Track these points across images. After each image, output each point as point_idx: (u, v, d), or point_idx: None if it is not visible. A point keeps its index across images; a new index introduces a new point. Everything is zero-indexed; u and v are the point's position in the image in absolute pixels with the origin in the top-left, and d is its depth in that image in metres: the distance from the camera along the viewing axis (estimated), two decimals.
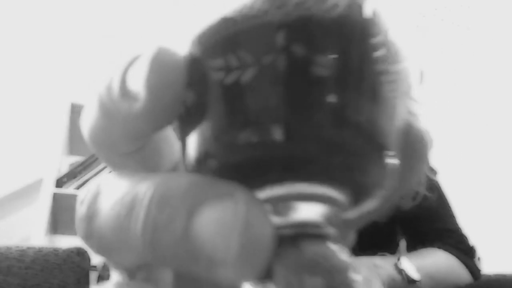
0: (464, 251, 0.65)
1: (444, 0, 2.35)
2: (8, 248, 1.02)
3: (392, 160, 0.13)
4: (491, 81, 2.75)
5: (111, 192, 0.12)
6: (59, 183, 1.52)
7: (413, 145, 0.14)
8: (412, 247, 0.69)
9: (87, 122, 0.15)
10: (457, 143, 2.92)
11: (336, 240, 0.12)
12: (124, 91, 0.13)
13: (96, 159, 1.60)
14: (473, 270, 0.63)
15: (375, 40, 0.12)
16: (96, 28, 2.58)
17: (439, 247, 0.64)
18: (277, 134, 0.11)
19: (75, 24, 2.55)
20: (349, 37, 0.12)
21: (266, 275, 0.11)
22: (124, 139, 0.14)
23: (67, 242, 1.30)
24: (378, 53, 0.12)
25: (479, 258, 0.66)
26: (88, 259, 1.08)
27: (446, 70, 2.85)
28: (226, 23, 0.13)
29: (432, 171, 0.73)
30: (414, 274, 0.52)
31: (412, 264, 0.53)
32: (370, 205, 0.14)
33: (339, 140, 0.12)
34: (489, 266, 0.69)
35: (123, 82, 0.13)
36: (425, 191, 0.64)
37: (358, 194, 0.13)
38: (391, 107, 0.13)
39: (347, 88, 0.12)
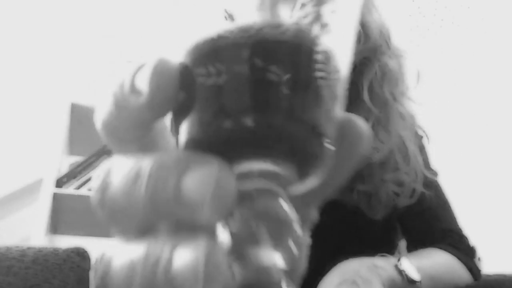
0: (464, 251, 0.65)
1: (444, 0, 2.35)
2: (8, 248, 1.02)
3: (329, 146, 0.17)
4: (491, 81, 2.75)
5: (120, 168, 0.17)
6: (59, 183, 1.52)
7: (348, 136, 0.18)
8: (412, 247, 0.69)
9: (101, 115, 0.19)
10: (457, 143, 2.92)
11: (286, 199, 0.16)
12: (133, 88, 0.18)
13: (96, 159, 1.60)
14: (473, 270, 0.62)
15: (316, 56, 0.17)
16: (96, 28, 2.58)
17: (439, 247, 0.64)
18: (246, 122, 0.16)
19: (75, 24, 2.55)
20: (296, 53, 0.16)
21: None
22: (131, 126, 0.18)
23: (67, 242, 1.30)
24: (318, 66, 0.17)
25: (479, 258, 0.66)
26: (88, 259, 1.08)
27: (446, 70, 2.85)
28: (207, 42, 0.17)
29: (432, 171, 0.73)
30: (414, 274, 0.52)
31: (412, 265, 0.53)
32: (312, 182, 0.18)
33: (288, 128, 0.16)
34: (489, 266, 0.69)
35: (132, 81, 0.18)
36: (422, 189, 0.64)
37: (301, 171, 0.17)
38: (329, 105, 0.17)
39: (294, 90, 0.16)
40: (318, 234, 0.68)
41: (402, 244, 0.76)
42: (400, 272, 0.52)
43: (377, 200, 0.62)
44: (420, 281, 0.52)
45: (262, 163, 0.16)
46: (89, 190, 1.53)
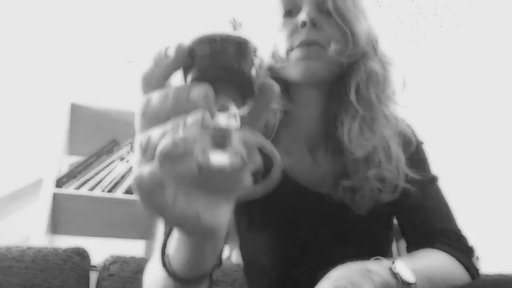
0: (462, 250, 0.65)
1: (444, 0, 2.35)
2: (8, 248, 1.02)
3: (255, 89, 0.33)
4: (491, 81, 2.76)
5: (156, 94, 0.32)
6: (59, 183, 1.52)
7: (265, 88, 0.33)
8: (411, 247, 0.69)
9: (143, 70, 0.33)
10: (457, 143, 2.93)
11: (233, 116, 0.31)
12: (166, 54, 0.32)
13: (96, 159, 1.61)
14: (471, 269, 0.63)
15: (250, 46, 0.32)
16: (96, 28, 2.58)
17: (436, 247, 0.64)
18: (217, 70, 0.32)
19: (75, 24, 2.55)
20: (241, 44, 0.32)
21: None
22: (161, 77, 0.32)
23: (67, 242, 1.30)
24: (252, 50, 0.33)
25: (477, 258, 0.66)
26: (88, 259, 1.08)
27: (446, 70, 2.85)
28: (203, 37, 0.32)
29: (431, 175, 0.74)
30: (409, 277, 0.52)
31: (407, 267, 0.53)
32: (246, 109, 0.33)
33: (238, 75, 0.32)
34: (489, 266, 0.69)
35: (165, 50, 0.32)
36: (405, 185, 0.66)
37: (242, 101, 0.33)
38: (256, 68, 0.33)
39: (240, 60, 0.32)
40: (312, 229, 0.69)
41: (402, 244, 0.77)
42: (395, 275, 0.52)
43: (361, 196, 0.65)
44: (415, 283, 0.52)
45: (225, 92, 0.32)
46: (89, 190, 1.53)
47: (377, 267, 0.52)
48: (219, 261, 0.53)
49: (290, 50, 0.66)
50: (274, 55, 0.67)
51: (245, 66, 0.32)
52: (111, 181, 1.56)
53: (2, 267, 0.97)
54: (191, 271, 0.41)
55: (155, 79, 0.32)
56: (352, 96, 0.66)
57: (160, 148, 0.29)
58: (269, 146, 0.31)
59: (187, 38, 0.33)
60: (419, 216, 0.69)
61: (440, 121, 3.06)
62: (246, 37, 0.32)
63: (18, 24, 2.52)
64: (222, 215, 0.33)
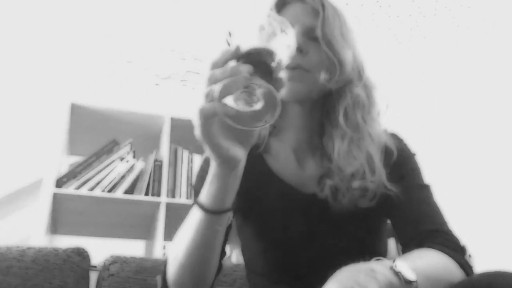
0: (454, 249, 0.67)
1: (444, 0, 2.35)
2: (8, 248, 1.02)
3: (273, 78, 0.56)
4: (491, 80, 2.76)
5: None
6: (59, 183, 1.52)
7: (271, 95, 0.52)
8: (406, 249, 0.72)
9: (212, 58, 0.54)
10: (457, 143, 2.93)
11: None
12: (229, 51, 0.54)
13: (96, 159, 1.61)
14: (465, 266, 0.65)
15: (272, 53, 0.55)
16: (96, 28, 2.58)
17: (431, 247, 0.67)
18: (257, 63, 0.55)
19: (75, 24, 2.55)
20: (268, 51, 0.55)
21: None
22: (223, 62, 0.53)
23: (67, 242, 1.30)
24: (273, 56, 0.55)
25: (470, 255, 0.67)
26: (88, 259, 1.08)
27: (445, 69, 2.85)
28: (251, 48, 0.55)
29: (421, 184, 0.79)
30: (410, 275, 0.54)
31: (407, 266, 0.55)
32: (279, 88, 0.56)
33: (268, 72, 0.55)
34: (488, 265, 0.70)
35: (229, 49, 0.54)
36: (386, 191, 0.73)
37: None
38: (274, 65, 0.56)
39: (267, 59, 0.55)
40: (300, 225, 0.77)
41: (398, 247, 0.80)
42: (396, 273, 0.53)
43: (342, 195, 0.73)
44: (416, 281, 0.54)
45: (257, 74, 0.52)
46: (89, 190, 1.53)
47: (380, 267, 0.53)
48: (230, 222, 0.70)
49: None
50: None
51: (269, 63, 0.55)
52: (111, 181, 1.57)
53: (2, 267, 0.97)
54: (215, 204, 0.60)
55: (220, 63, 0.53)
56: (341, 119, 0.74)
57: (217, 92, 0.51)
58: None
59: (242, 44, 0.54)
60: (411, 219, 0.73)
61: (440, 121, 3.06)
62: (271, 48, 0.55)
63: (18, 24, 2.52)
64: (241, 152, 0.58)
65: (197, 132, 0.55)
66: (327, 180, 0.74)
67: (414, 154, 0.83)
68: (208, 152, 0.57)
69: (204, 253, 0.65)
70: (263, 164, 0.79)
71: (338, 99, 0.75)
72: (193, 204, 0.64)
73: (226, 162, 0.57)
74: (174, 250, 0.68)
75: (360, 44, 0.79)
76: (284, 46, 0.56)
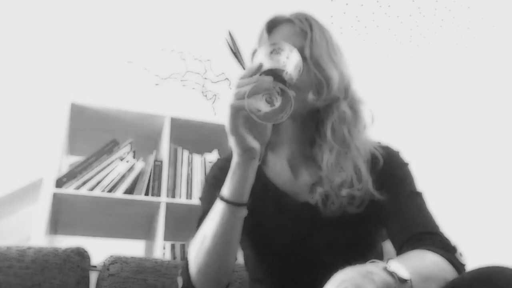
0: (444, 248, 0.70)
1: (444, 0, 2.35)
2: (8, 248, 1.02)
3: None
4: (490, 80, 2.76)
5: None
6: (59, 183, 1.52)
7: (286, 91, 0.65)
8: (399, 252, 0.76)
9: (241, 73, 0.68)
10: (456, 143, 2.93)
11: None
12: (254, 68, 0.68)
13: (96, 159, 1.61)
14: (456, 264, 0.67)
15: (286, 70, 0.69)
16: (97, 28, 2.58)
17: (422, 248, 0.70)
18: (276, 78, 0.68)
19: (75, 24, 2.55)
20: (281, 71, 0.68)
21: None
22: (250, 74, 0.67)
23: (67, 242, 1.30)
24: (287, 73, 0.69)
25: (461, 254, 0.71)
26: (88, 259, 1.08)
27: (445, 69, 2.85)
28: (271, 68, 0.69)
29: (412, 191, 0.83)
30: (404, 273, 0.56)
31: (401, 265, 0.57)
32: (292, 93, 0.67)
33: (284, 82, 0.67)
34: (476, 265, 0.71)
35: (255, 66, 0.68)
36: (376, 197, 0.78)
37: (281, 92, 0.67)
38: (288, 78, 0.69)
39: (282, 75, 0.68)
40: (293, 230, 0.83)
41: (392, 250, 0.84)
42: (391, 274, 0.55)
43: (332, 202, 0.78)
44: (410, 279, 0.56)
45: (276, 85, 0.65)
46: (89, 190, 1.53)
47: (375, 268, 0.55)
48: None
49: None
50: None
51: (283, 77, 0.67)
52: (111, 181, 1.56)
53: (2, 267, 0.97)
54: (235, 196, 0.71)
55: (246, 75, 0.66)
56: (329, 134, 0.80)
57: (245, 92, 0.63)
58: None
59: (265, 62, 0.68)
60: (403, 224, 0.77)
61: (439, 121, 3.07)
62: (285, 68, 0.68)
63: (18, 24, 2.52)
64: (258, 146, 0.70)
65: (226, 125, 0.67)
66: (317, 188, 0.80)
67: (406, 164, 0.87)
68: (232, 143, 0.68)
69: (224, 244, 0.73)
70: (262, 175, 0.85)
71: (326, 115, 0.82)
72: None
73: (247, 151, 0.69)
74: (196, 244, 0.75)
75: (346, 62, 0.85)
76: (293, 66, 0.69)
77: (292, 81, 0.68)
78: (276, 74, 0.67)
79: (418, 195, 0.82)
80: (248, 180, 0.71)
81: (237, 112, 0.65)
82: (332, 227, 0.80)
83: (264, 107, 0.65)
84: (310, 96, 0.78)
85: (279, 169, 0.87)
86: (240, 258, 0.95)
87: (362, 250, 0.82)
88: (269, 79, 0.64)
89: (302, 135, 0.85)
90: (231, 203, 0.71)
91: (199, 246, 0.74)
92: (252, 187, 0.75)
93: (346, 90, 0.82)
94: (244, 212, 0.73)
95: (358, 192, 0.78)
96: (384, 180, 0.80)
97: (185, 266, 0.77)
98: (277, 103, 0.66)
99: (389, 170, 0.82)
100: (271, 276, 0.85)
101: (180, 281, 0.78)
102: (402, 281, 0.55)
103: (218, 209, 0.72)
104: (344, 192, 0.77)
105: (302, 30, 0.81)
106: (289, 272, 0.82)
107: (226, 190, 0.72)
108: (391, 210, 0.79)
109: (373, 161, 0.83)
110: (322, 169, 0.80)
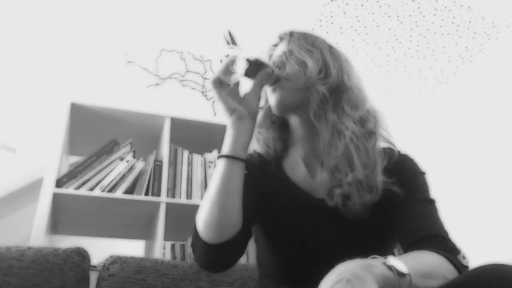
0: (446, 249, 0.72)
1: (444, 0, 2.35)
2: (8, 248, 1.02)
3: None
4: (491, 80, 2.76)
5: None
6: (59, 183, 1.52)
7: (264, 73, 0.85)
8: (404, 252, 0.79)
9: (224, 61, 0.81)
10: (456, 143, 2.93)
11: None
12: (235, 57, 0.81)
13: (96, 159, 1.61)
14: (458, 265, 0.69)
15: (265, 61, 0.89)
16: (96, 28, 2.58)
17: (424, 249, 0.72)
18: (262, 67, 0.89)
19: (75, 24, 2.55)
20: (262, 62, 0.87)
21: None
22: (231, 64, 0.80)
23: (67, 242, 1.30)
24: (267, 63, 0.88)
25: (464, 256, 0.73)
26: (88, 259, 1.08)
27: (445, 69, 2.85)
28: (255, 58, 0.85)
29: (426, 198, 0.85)
30: (403, 268, 0.59)
31: (400, 260, 0.60)
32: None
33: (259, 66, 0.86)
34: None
35: (235, 57, 0.81)
36: (383, 184, 0.82)
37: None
38: (272, 67, 0.90)
39: (262, 64, 0.87)
40: (311, 227, 0.86)
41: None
42: (390, 268, 0.58)
43: (353, 203, 0.82)
44: (409, 273, 0.59)
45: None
46: (89, 190, 1.53)
47: (375, 262, 0.59)
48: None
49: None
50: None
51: (262, 60, 0.84)
52: (111, 181, 1.56)
53: (2, 267, 0.97)
54: (230, 150, 0.80)
55: (229, 64, 0.78)
56: (312, 116, 0.87)
57: (225, 66, 0.78)
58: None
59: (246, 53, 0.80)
60: (412, 228, 0.80)
61: (439, 120, 3.07)
62: (264, 60, 0.86)
63: (18, 24, 2.52)
64: (241, 108, 0.82)
65: (214, 96, 0.82)
66: (336, 189, 0.84)
67: (423, 172, 0.90)
68: (220, 109, 0.82)
69: (223, 194, 0.79)
70: (281, 173, 0.92)
71: (309, 103, 0.88)
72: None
73: (233, 113, 0.81)
74: (203, 200, 0.83)
75: (327, 54, 0.92)
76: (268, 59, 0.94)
77: (269, 62, 0.88)
78: (254, 57, 0.83)
79: (431, 202, 0.84)
80: (240, 137, 0.81)
81: (215, 81, 0.79)
82: (346, 225, 0.83)
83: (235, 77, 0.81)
84: (300, 83, 0.86)
85: (296, 167, 0.92)
86: (244, 258, 0.96)
87: (374, 251, 0.83)
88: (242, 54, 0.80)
89: (311, 131, 0.90)
90: (225, 156, 0.80)
91: (204, 200, 0.82)
92: (269, 181, 0.89)
93: (326, 75, 0.88)
94: (240, 165, 0.80)
95: (362, 176, 0.82)
96: (399, 186, 0.83)
97: (194, 224, 0.83)
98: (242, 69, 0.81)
99: (405, 177, 0.86)
100: (282, 269, 0.88)
101: (190, 240, 0.85)
102: (401, 275, 0.58)
103: (218, 165, 0.81)
104: (349, 178, 0.82)
105: (284, 38, 0.96)
106: (300, 265, 0.85)
107: (223, 148, 0.82)
108: (402, 214, 0.82)
109: (385, 153, 0.88)
110: (320, 151, 0.86)
